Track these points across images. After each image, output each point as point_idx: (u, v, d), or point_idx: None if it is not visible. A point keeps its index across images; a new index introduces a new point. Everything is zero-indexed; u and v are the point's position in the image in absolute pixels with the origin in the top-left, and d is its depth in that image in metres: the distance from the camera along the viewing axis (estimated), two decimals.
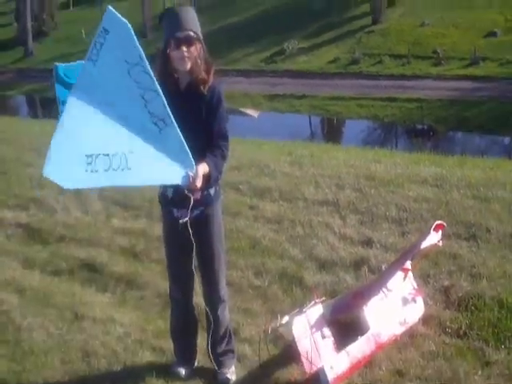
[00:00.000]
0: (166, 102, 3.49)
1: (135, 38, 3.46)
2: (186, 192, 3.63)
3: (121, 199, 7.91)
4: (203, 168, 3.63)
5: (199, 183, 3.59)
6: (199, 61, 3.73)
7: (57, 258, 6.48)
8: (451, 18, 40.10)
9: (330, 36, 42.57)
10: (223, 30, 44.90)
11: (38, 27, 56.80)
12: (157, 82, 3.50)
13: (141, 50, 3.48)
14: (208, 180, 3.69)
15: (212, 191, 3.92)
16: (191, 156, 3.55)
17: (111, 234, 6.92)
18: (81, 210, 7.73)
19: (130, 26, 3.45)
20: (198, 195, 3.73)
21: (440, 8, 41.56)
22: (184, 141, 3.53)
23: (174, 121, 3.50)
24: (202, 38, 3.75)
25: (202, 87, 3.75)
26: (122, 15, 3.42)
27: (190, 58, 3.69)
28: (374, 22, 42.41)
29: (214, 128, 3.80)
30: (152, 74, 3.49)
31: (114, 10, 3.42)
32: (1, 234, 7.29)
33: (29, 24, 54.49)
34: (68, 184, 3.57)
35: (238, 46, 42.97)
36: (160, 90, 3.49)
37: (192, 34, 3.67)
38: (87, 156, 3.43)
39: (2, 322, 5.24)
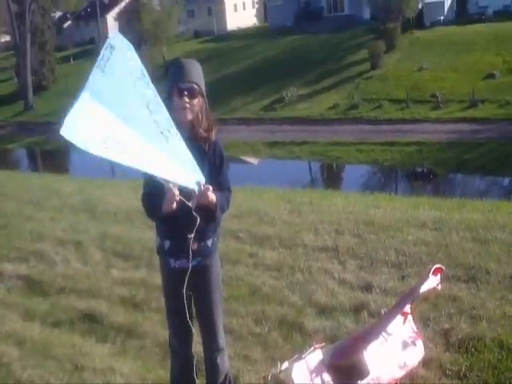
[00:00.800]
0: (167, 113, 3.54)
1: (137, 56, 3.58)
2: (194, 213, 3.60)
3: (120, 250, 7.95)
4: (212, 193, 3.64)
5: (210, 197, 3.60)
6: (200, 115, 3.77)
7: (57, 309, 6.48)
8: (449, 61, 40.64)
9: (329, 82, 43.06)
10: (223, 80, 45.42)
11: (38, 81, 57.56)
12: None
13: (143, 66, 3.57)
14: (213, 212, 3.71)
15: (209, 242, 3.93)
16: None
17: (111, 285, 6.92)
18: (80, 261, 7.76)
19: (132, 46, 3.59)
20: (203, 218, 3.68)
21: (438, 52, 42.14)
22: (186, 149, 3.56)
23: (178, 132, 3.53)
24: (204, 93, 3.80)
25: (203, 144, 3.79)
26: None
27: (192, 109, 3.73)
28: (373, 68, 42.94)
29: (220, 182, 3.83)
30: (154, 88, 3.54)
31: (118, 35, 3.58)
32: (1, 286, 7.30)
33: (29, 78, 55.31)
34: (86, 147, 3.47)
35: (238, 95, 43.43)
36: (162, 103, 3.54)
37: (195, 86, 3.72)
38: (103, 136, 3.34)
39: (1, 375, 5.21)
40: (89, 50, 68.32)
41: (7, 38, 76.27)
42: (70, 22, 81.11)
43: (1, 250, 8.46)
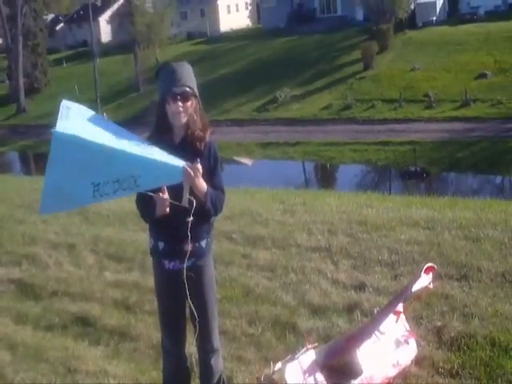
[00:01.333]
0: (139, 137, 3.68)
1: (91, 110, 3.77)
2: (188, 197, 3.62)
3: (113, 252, 7.94)
4: (203, 186, 3.67)
5: (201, 180, 3.61)
6: (195, 116, 3.77)
7: (49, 312, 6.45)
8: (441, 61, 40.81)
9: (322, 83, 43.18)
10: (216, 81, 45.47)
11: (31, 84, 57.58)
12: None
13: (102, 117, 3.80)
14: (203, 204, 3.70)
15: (203, 243, 3.93)
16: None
17: (104, 287, 6.91)
18: (73, 264, 7.74)
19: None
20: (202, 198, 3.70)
21: (430, 52, 42.29)
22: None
23: (153, 146, 3.64)
24: (197, 94, 3.79)
25: (198, 144, 3.79)
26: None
27: (186, 112, 3.73)
28: (365, 68, 43.07)
29: (213, 183, 3.81)
30: (115, 124, 3.73)
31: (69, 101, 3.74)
32: None
33: (21, 81, 55.33)
34: (71, 207, 3.64)
35: (231, 96, 43.48)
36: (127, 132, 3.68)
37: (188, 89, 3.72)
38: (94, 184, 3.47)
39: None
40: (81, 52, 68.46)
41: None
42: (62, 25, 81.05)
43: None
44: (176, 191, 3.60)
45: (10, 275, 7.59)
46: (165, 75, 3.77)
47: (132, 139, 3.64)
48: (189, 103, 3.73)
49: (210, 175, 3.80)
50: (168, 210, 3.61)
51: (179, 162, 3.57)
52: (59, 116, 3.56)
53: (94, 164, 3.46)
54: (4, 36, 60.01)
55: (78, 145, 3.40)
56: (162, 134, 3.80)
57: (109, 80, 54.49)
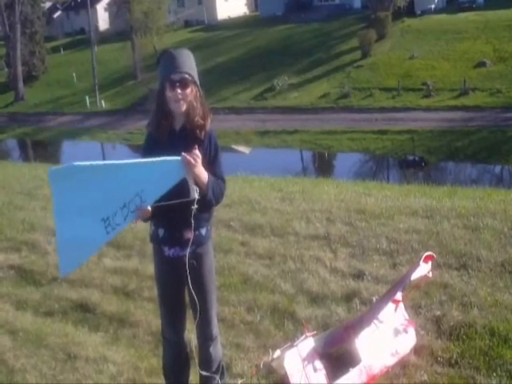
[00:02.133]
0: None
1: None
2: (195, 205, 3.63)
3: (112, 239, 7.92)
4: (203, 174, 3.64)
5: (199, 163, 3.58)
6: (195, 103, 3.75)
7: (49, 299, 6.48)
8: (440, 50, 40.76)
9: (320, 71, 43.11)
10: (213, 69, 45.39)
11: (29, 72, 57.46)
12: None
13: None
14: (204, 191, 3.67)
15: (203, 231, 3.93)
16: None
17: (103, 274, 6.92)
18: None
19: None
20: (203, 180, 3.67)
21: (429, 40, 42.22)
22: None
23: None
24: (198, 81, 3.78)
25: (198, 132, 3.77)
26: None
27: (185, 100, 3.71)
28: (363, 57, 42.97)
29: (214, 172, 3.80)
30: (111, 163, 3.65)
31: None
32: None
33: (19, 69, 55.21)
34: (89, 255, 3.80)
35: (228, 84, 43.41)
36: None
37: (187, 76, 3.70)
38: (104, 220, 3.51)
39: None
40: (79, 40, 68.27)
41: None
42: (59, 13, 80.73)
43: None
44: (180, 186, 3.60)
45: (9, 261, 7.61)
46: (165, 62, 3.75)
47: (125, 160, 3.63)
48: (188, 90, 3.71)
49: (211, 164, 3.79)
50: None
51: (176, 157, 3.57)
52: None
53: (97, 195, 3.48)
54: (2, 24, 59.74)
55: (76, 177, 3.44)
56: (161, 120, 3.79)
57: (106, 68, 54.38)
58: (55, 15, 79.73)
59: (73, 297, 6.42)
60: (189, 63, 3.75)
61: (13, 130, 45.74)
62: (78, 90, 52.09)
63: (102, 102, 48.47)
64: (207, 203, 3.76)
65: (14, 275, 7.27)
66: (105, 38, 62.56)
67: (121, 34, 56.75)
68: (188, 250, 3.79)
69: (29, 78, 56.99)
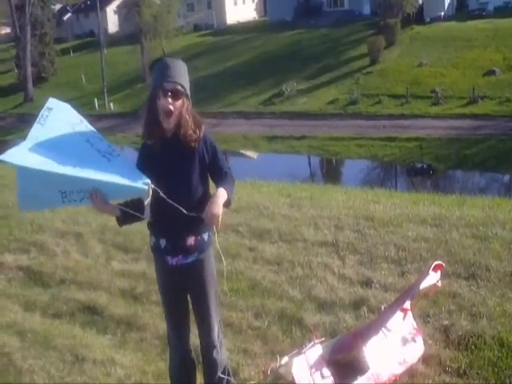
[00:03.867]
0: (109, 143, 3.72)
1: (74, 110, 3.81)
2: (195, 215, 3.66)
3: (121, 242, 7.96)
4: (223, 196, 3.64)
5: (219, 210, 3.58)
6: (187, 116, 3.71)
7: (57, 300, 6.50)
8: (449, 57, 40.69)
9: (329, 77, 43.08)
10: (222, 74, 45.47)
11: (38, 73, 57.64)
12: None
13: (81, 116, 3.79)
14: (228, 204, 3.70)
15: (205, 236, 3.92)
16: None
17: (111, 277, 6.94)
18: (81, 253, 7.78)
19: (69, 105, 3.83)
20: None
21: (438, 48, 42.15)
22: (131, 164, 3.73)
23: (120, 154, 3.67)
24: (189, 94, 3.74)
25: (192, 144, 3.74)
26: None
27: (174, 111, 3.66)
28: (372, 63, 42.93)
29: (219, 167, 3.82)
30: (93, 128, 3.75)
31: (55, 99, 3.79)
32: (2, 277, 7.33)
33: (29, 70, 55.37)
34: (44, 209, 3.81)
35: (237, 89, 43.42)
36: (102, 136, 3.71)
37: (180, 88, 3.66)
38: (61, 192, 3.54)
39: (3, 364, 5.26)
40: (88, 42, 68.43)
41: (7, 29, 76.17)
42: (69, 15, 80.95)
43: (1, 240, 8.49)
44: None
45: (18, 262, 7.64)
46: (158, 70, 3.71)
47: (96, 157, 3.63)
48: (179, 102, 3.67)
49: (212, 162, 3.81)
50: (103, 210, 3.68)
51: (141, 180, 3.58)
52: (37, 120, 3.65)
53: (54, 180, 3.50)
54: (12, 25, 60.02)
55: (32, 172, 3.47)
56: (153, 129, 3.74)
57: (115, 70, 54.49)
58: (65, 17, 79.93)
59: (81, 299, 6.43)
60: (182, 74, 3.72)
61: (22, 131, 45.71)
62: (86, 92, 52.20)
63: (111, 104, 48.56)
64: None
65: (22, 276, 7.30)
66: (114, 41, 62.68)
67: (130, 36, 56.86)
68: (188, 259, 3.84)
69: (38, 80, 57.16)
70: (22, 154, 3.48)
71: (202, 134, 3.78)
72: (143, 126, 3.80)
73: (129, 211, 3.69)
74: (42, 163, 3.46)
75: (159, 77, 3.67)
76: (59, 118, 3.71)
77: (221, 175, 3.81)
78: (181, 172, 3.75)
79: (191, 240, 3.81)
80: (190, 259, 3.85)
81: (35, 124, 3.63)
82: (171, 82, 3.64)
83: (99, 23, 56.05)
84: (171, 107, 3.65)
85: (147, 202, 3.62)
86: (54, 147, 3.56)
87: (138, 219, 3.78)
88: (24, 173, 3.52)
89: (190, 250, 3.83)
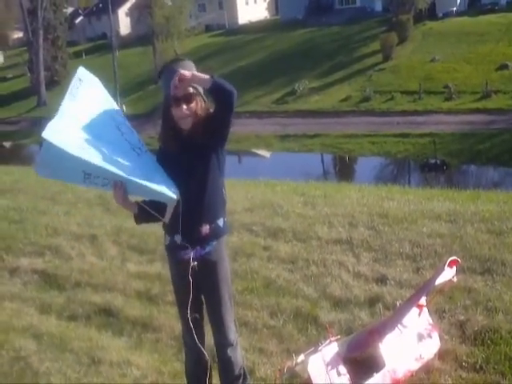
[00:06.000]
0: (138, 136, 3.74)
1: (103, 87, 3.82)
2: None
3: (135, 244, 7.99)
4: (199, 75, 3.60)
5: (193, 77, 3.58)
6: (201, 113, 3.72)
7: (73, 303, 6.53)
8: (462, 52, 40.50)
9: (341, 75, 43.01)
10: (234, 73, 45.38)
11: (51, 77, 57.95)
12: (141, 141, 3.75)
13: (109, 96, 3.82)
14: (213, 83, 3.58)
15: (221, 222, 3.91)
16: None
17: (126, 279, 6.96)
18: (96, 256, 7.81)
19: (98, 79, 3.84)
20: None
21: (450, 43, 41.97)
22: (158, 165, 3.72)
23: (148, 151, 3.70)
24: (201, 90, 3.73)
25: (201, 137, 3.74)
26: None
27: (191, 115, 3.68)
28: (385, 60, 42.83)
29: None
30: (122, 114, 3.78)
31: (84, 69, 3.78)
32: (18, 280, 7.38)
33: (42, 74, 55.73)
34: (63, 180, 3.76)
35: (250, 88, 43.36)
36: (131, 127, 3.73)
37: (190, 90, 3.66)
38: (85, 173, 3.50)
39: (20, 367, 5.28)
40: (101, 45, 68.70)
41: (20, 34, 76.66)
42: (81, 18, 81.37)
43: (17, 244, 8.52)
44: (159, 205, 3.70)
45: (33, 265, 7.68)
46: (166, 78, 3.70)
47: (126, 148, 3.63)
48: (193, 104, 3.68)
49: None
50: (121, 201, 3.68)
51: (172, 188, 3.61)
52: (69, 89, 3.60)
53: (83, 164, 3.46)
54: (25, 30, 60.40)
55: (64, 155, 3.39)
56: (169, 134, 3.78)
57: (128, 72, 54.65)
58: (77, 21, 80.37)
59: (96, 301, 6.45)
60: None
61: (35, 135, 45.97)
62: None
63: (124, 106, 48.72)
64: (224, 92, 3.64)
65: (38, 279, 7.34)
66: (126, 43, 62.92)
67: (142, 38, 57.06)
68: (205, 249, 3.85)
69: (51, 83, 57.42)
70: (60, 132, 3.42)
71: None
72: (160, 132, 3.85)
73: (150, 211, 3.72)
74: (81, 149, 3.42)
75: (168, 85, 3.64)
76: (89, 93, 3.71)
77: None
78: (197, 173, 3.76)
79: (206, 229, 3.82)
80: (208, 249, 3.86)
81: (67, 95, 3.59)
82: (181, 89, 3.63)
83: (111, 26, 56.25)
84: (187, 112, 3.67)
85: (171, 208, 3.67)
86: (87, 128, 3.54)
87: (156, 219, 3.79)
88: (53, 149, 3.42)
89: (206, 239, 3.83)
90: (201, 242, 3.84)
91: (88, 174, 3.50)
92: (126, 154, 3.59)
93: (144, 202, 3.79)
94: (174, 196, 3.59)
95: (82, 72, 3.74)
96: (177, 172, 3.71)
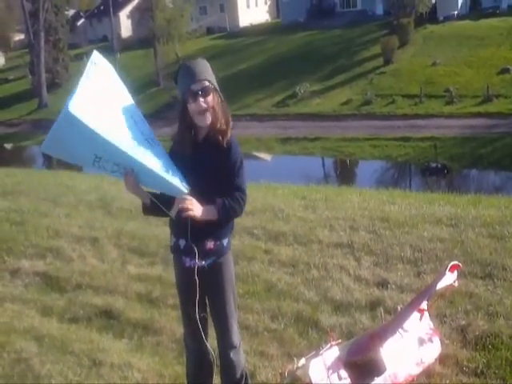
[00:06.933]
0: (149, 127, 3.75)
1: (116, 74, 3.82)
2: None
3: (136, 246, 8.00)
4: (211, 213, 3.67)
5: (194, 208, 3.63)
6: (217, 110, 3.73)
7: (74, 305, 6.53)
8: (463, 56, 40.50)
9: (342, 78, 43.00)
10: (235, 76, 45.49)
11: (52, 79, 57.96)
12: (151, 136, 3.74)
13: (123, 84, 3.81)
14: (212, 220, 3.70)
15: (225, 242, 3.92)
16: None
17: (127, 281, 6.96)
18: (97, 258, 7.82)
19: (111, 66, 3.83)
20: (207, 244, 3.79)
21: (451, 47, 41.97)
22: (170, 160, 3.72)
23: (160, 143, 3.72)
24: (217, 86, 3.76)
25: (220, 138, 3.73)
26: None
27: (209, 110, 3.68)
28: (386, 63, 42.82)
29: (234, 184, 3.75)
30: (134, 104, 3.77)
31: (99, 53, 3.76)
32: (19, 282, 7.37)
33: (43, 76, 55.70)
34: (69, 161, 3.72)
35: (250, 91, 43.44)
36: (143, 117, 3.74)
37: (208, 83, 3.68)
38: (96, 156, 3.51)
39: (21, 369, 5.28)
40: (102, 47, 68.65)
41: (21, 36, 76.71)
42: (83, 20, 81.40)
43: (18, 246, 8.52)
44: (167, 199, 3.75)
45: (35, 268, 7.67)
46: (182, 75, 3.72)
47: (140, 138, 3.63)
48: (210, 97, 3.69)
49: (232, 176, 3.75)
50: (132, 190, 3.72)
51: (183, 182, 3.64)
52: (85, 72, 3.58)
53: (99, 146, 3.46)
54: (26, 32, 60.45)
55: (86, 131, 3.39)
56: (185, 135, 3.79)
57: (129, 75, 54.42)
58: (78, 23, 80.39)
59: (97, 303, 6.45)
60: (207, 71, 3.73)
61: (37, 137, 46.00)
62: None
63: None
64: (220, 224, 3.81)
65: (39, 282, 7.33)
66: (127, 46, 62.96)
67: (143, 41, 57.11)
68: (206, 261, 3.85)
69: (52, 86, 57.44)
70: (83, 108, 3.40)
71: (230, 129, 3.77)
72: (175, 133, 3.85)
73: (159, 205, 3.74)
74: (108, 131, 3.43)
75: (185, 81, 3.69)
76: (104, 77, 3.71)
77: (229, 195, 3.74)
78: (204, 171, 3.74)
79: (210, 244, 3.83)
80: (208, 262, 3.87)
81: (83, 76, 3.56)
82: (197, 82, 3.65)
83: (112, 28, 56.36)
84: (204, 105, 3.67)
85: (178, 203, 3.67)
86: (104, 111, 3.53)
87: (163, 214, 3.81)
88: (69, 126, 3.41)
89: (208, 253, 3.84)
90: (203, 254, 3.85)
91: (99, 157, 3.51)
92: (140, 142, 3.59)
93: (152, 194, 3.80)
94: (185, 190, 3.60)
95: (96, 56, 3.72)
96: (187, 175, 3.72)
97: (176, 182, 3.61)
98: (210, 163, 3.75)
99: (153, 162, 3.58)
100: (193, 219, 3.67)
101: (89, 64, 3.63)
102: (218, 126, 3.73)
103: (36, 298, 6.86)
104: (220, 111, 3.75)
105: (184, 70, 3.72)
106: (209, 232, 3.80)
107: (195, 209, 3.62)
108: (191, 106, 3.69)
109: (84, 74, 3.57)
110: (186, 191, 3.61)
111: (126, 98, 3.78)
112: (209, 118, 3.71)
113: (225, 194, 3.71)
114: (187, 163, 3.73)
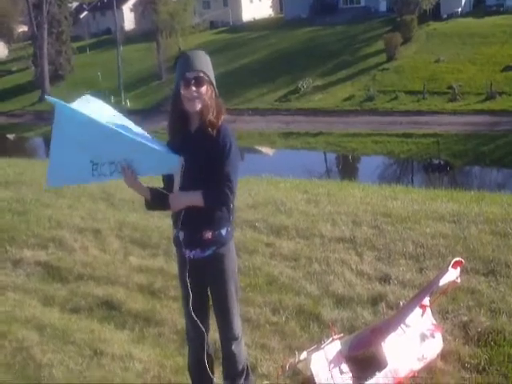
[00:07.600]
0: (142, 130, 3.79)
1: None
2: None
3: (138, 238, 7.99)
4: (195, 199, 3.71)
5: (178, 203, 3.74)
6: (209, 102, 3.72)
7: (76, 295, 6.53)
8: (467, 53, 40.48)
9: (345, 74, 43.04)
10: (238, 71, 45.50)
11: (55, 71, 57.97)
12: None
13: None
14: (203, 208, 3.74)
15: (224, 231, 3.90)
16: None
17: (129, 272, 6.96)
18: (99, 249, 7.81)
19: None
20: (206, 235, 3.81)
21: (455, 44, 41.94)
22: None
23: (154, 136, 3.76)
24: (213, 81, 3.76)
25: (210, 130, 3.71)
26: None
27: (200, 98, 3.68)
28: (389, 60, 42.80)
29: (221, 171, 3.71)
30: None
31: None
32: (21, 272, 7.38)
33: (46, 68, 55.77)
34: (74, 183, 3.81)
35: (253, 86, 43.44)
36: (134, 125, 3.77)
37: (202, 74, 3.68)
38: (92, 163, 3.59)
39: (22, 358, 5.29)
40: (105, 40, 68.70)
41: (25, 27, 76.66)
42: (86, 13, 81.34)
43: (20, 236, 8.52)
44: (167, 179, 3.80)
45: (36, 258, 7.68)
46: (179, 64, 3.75)
47: (134, 128, 3.70)
48: (203, 88, 3.68)
49: (220, 163, 3.70)
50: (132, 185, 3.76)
51: (175, 154, 3.68)
52: (75, 103, 3.64)
53: (91, 141, 3.53)
54: (30, 24, 60.41)
55: (77, 118, 3.47)
56: (176, 122, 3.81)
57: (132, 68, 54.64)
58: (82, 15, 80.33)
59: (99, 294, 6.46)
60: (204, 63, 3.74)
61: (39, 128, 46.01)
62: (103, 90, 52.47)
63: (127, 101, 48.72)
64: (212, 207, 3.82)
65: (41, 272, 7.34)
66: (130, 39, 62.88)
67: (146, 34, 57.07)
68: (206, 252, 3.84)
69: (55, 78, 57.52)
70: (73, 105, 3.54)
71: (220, 121, 3.75)
72: (167, 125, 3.87)
73: (157, 189, 3.81)
74: (90, 113, 3.51)
75: (181, 69, 3.72)
76: (98, 104, 3.81)
77: (215, 188, 3.73)
78: (196, 162, 3.72)
79: (208, 234, 3.81)
80: (207, 253, 3.86)
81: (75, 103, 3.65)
82: (192, 71, 3.67)
83: (115, 21, 56.32)
84: (195, 94, 3.67)
85: (178, 177, 3.70)
86: (98, 117, 3.58)
87: (165, 206, 3.80)
88: (61, 137, 3.54)
89: (207, 243, 3.83)
90: (201, 245, 3.84)
91: (95, 164, 3.57)
92: (132, 133, 3.65)
93: (151, 189, 3.86)
94: (180, 158, 3.65)
95: (89, 97, 3.82)
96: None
97: (169, 152, 3.68)
98: (201, 152, 3.74)
99: (144, 140, 3.63)
100: (187, 209, 3.72)
101: (79, 100, 3.72)
102: (209, 117, 3.71)
103: (38, 287, 6.87)
104: (213, 104, 3.74)
105: (183, 59, 3.75)
106: (204, 221, 3.80)
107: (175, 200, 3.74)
108: (183, 92, 3.70)
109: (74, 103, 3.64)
110: (180, 158, 3.64)
111: (123, 119, 3.80)
112: (198, 105, 3.70)
113: (213, 186, 3.72)
114: (179, 153, 3.73)
